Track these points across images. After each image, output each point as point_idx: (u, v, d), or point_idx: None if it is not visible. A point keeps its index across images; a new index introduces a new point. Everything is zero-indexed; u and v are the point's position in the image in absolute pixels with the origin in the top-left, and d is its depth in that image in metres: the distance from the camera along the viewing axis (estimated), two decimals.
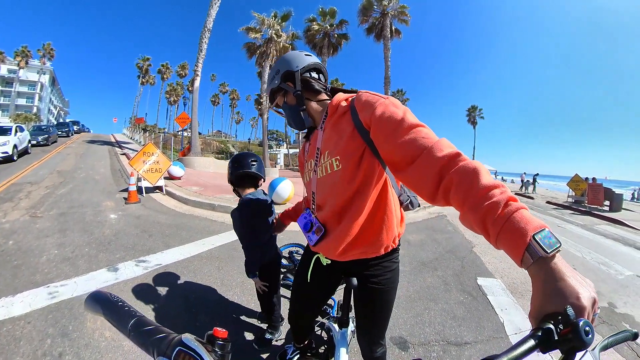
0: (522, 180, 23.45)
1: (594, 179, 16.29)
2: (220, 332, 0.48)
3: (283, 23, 21.11)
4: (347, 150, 1.05)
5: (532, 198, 17.71)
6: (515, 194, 18.79)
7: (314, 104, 1.22)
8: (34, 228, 4.51)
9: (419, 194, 0.83)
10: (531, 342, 0.47)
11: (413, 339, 2.39)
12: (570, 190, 15.60)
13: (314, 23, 23.14)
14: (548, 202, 15.39)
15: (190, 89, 18.46)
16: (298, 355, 1.66)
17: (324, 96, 1.24)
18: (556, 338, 0.47)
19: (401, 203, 1.26)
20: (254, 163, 1.92)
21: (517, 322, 2.75)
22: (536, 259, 0.54)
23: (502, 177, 44.45)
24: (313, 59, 1.22)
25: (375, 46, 23.79)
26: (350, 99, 1.11)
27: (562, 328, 0.47)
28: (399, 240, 1.25)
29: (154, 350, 0.46)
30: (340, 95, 1.14)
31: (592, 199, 13.78)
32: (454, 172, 0.71)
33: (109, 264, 3.39)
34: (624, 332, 0.51)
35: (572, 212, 12.22)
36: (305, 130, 1.33)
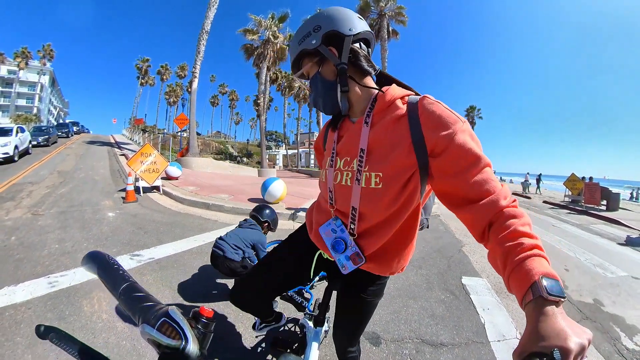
0: (525, 181, 23.43)
1: (590, 178, 16.51)
2: (207, 311, 0.50)
3: (280, 24, 21.33)
4: (396, 168, 0.87)
5: (529, 198, 17.91)
6: (513, 193, 18.96)
7: (357, 88, 0.97)
8: (36, 225, 4.77)
9: (471, 230, 0.81)
10: None
11: (386, 335, 2.39)
12: (567, 189, 15.65)
13: None
14: (545, 202, 15.56)
15: (189, 90, 18.66)
16: (265, 326, 1.69)
17: (371, 82, 1.00)
18: None
19: (420, 227, 1.15)
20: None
21: (498, 323, 2.69)
22: (536, 297, 0.56)
23: (501, 177, 44.66)
24: (367, 26, 0.96)
25: None
26: (407, 99, 0.91)
27: None
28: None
29: (140, 317, 0.48)
30: (395, 90, 0.93)
31: (588, 198, 13.78)
32: (503, 212, 0.74)
33: None
34: None
35: (569, 211, 12.32)
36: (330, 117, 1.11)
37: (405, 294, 3.16)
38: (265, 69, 21.98)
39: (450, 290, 3.33)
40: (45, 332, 0.47)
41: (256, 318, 1.68)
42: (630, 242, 6.69)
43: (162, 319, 0.46)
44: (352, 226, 0.99)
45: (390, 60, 23.41)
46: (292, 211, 6.18)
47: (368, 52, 0.99)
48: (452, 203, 0.84)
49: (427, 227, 1.37)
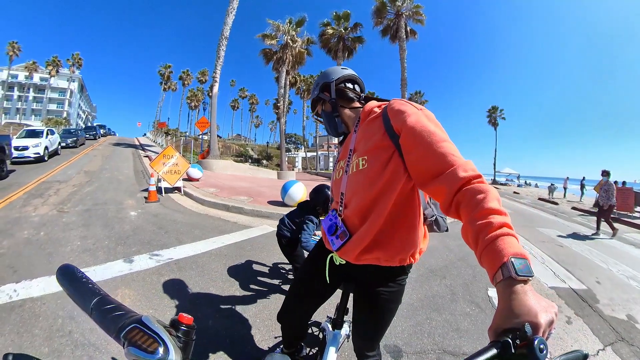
0: (564, 188, 22.26)
1: (623, 182, 15.41)
2: (186, 317, 0.47)
3: (298, 29, 21.43)
4: (375, 150, 1.07)
5: (556, 204, 16.89)
6: (539, 199, 18.17)
7: (347, 111, 1.30)
8: (61, 222, 4.85)
9: (440, 204, 0.87)
10: (492, 352, 0.50)
11: (408, 349, 2.29)
12: (598, 194, 14.66)
13: (329, 27, 23.32)
14: (574, 208, 14.49)
15: (210, 94, 19.03)
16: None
17: (357, 104, 1.31)
18: (513, 351, 0.50)
19: (425, 218, 1.22)
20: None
21: None
22: (506, 277, 0.60)
23: (526, 181, 42.90)
24: (348, 72, 1.34)
25: (391, 48, 23.84)
26: (383, 106, 1.14)
27: (519, 343, 0.51)
28: (418, 257, 1.18)
29: (113, 329, 0.44)
30: (372, 103, 1.20)
31: (621, 204, 12.63)
32: (469, 189, 0.78)
33: (125, 256, 3.62)
34: (574, 352, 0.53)
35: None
36: (341, 138, 1.39)
37: (428, 306, 3.00)
38: (284, 72, 22.11)
39: (475, 303, 3.13)
40: None
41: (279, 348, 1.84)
42: None
43: (132, 325, 0.43)
44: (340, 209, 1.21)
45: (409, 60, 23.11)
46: None
47: (354, 87, 1.33)
48: (419, 181, 0.95)
49: (447, 230, 1.35)
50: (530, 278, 0.60)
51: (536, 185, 39.48)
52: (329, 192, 2.89)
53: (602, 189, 8.11)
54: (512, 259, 0.61)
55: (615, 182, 14.79)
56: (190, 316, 0.47)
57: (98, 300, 0.48)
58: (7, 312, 2.35)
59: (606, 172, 8.17)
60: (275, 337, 2.27)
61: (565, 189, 22.19)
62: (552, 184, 22.03)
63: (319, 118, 1.43)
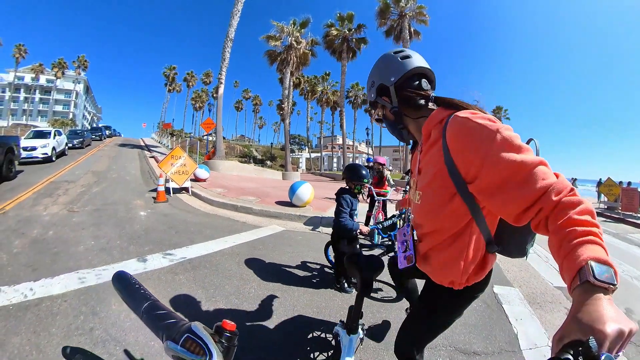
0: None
1: (629, 182, 15.27)
2: (229, 324, 0.49)
3: (302, 30, 21.48)
4: (433, 190, 0.97)
5: None
6: None
7: (415, 122, 1.08)
8: (71, 221, 4.85)
9: (506, 214, 0.79)
10: None
11: None
12: (602, 195, 14.43)
13: (333, 28, 23.39)
14: None
15: (214, 95, 19.12)
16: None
17: (427, 109, 1.06)
18: None
19: (490, 250, 1.06)
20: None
21: (531, 334, 2.57)
22: (583, 281, 0.54)
23: None
24: (413, 62, 1.05)
25: (395, 49, 23.73)
26: (446, 119, 0.92)
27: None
28: (470, 287, 1.08)
29: (163, 335, 0.47)
30: (435, 116, 0.98)
31: (626, 204, 12.49)
32: (560, 204, 0.70)
33: (139, 255, 3.61)
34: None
35: (604, 219, 11.37)
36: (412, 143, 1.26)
37: None
38: (289, 74, 22.15)
39: (482, 299, 3.12)
40: (72, 354, 0.48)
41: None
42: None
43: (185, 335, 0.45)
44: (414, 232, 1.17)
45: None
46: (320, 218, 6.01)
47: (421, 84, 1.05)
48: (510, 219, 0.80)
49: (525, 256, 1.19)
50: (612, 287, 0.53)
51: None
52: (363, 171, 2.97)
53: None
54: (592, 262, 0.55)
55: (621, 183, 14.67)
56: (233, 323, 0.49)
57: (149, 305, 0.52)
58: (23, 312, 2.33)
59: None
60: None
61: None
62: (574, 179, 21.77)
63: (381, 123, 1.22)
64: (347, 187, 2.99)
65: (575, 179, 22.60)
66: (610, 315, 0.49)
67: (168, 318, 0.50)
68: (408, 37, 22.01)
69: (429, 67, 1.07)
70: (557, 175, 0.74)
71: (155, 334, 0.49)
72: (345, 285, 3.05)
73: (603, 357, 0.43)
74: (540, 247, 5.38)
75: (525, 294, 3.40)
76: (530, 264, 4.34)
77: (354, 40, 23.93)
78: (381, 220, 4.88)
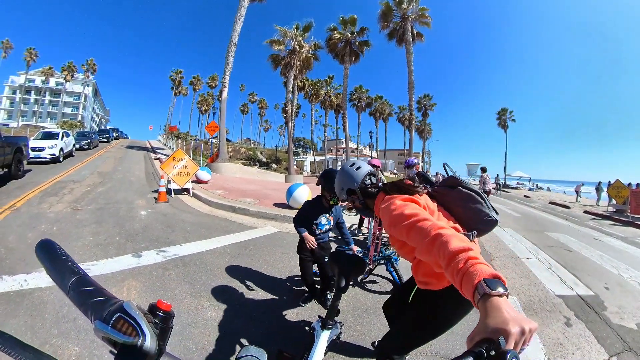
0: (576, 192, 21.98)
1: (637, 184, 15.01)
2: (164, 304, 0.47)
3: (305, 34, 21.55)
4: (394, 239, 1.39)
5: (567, 207, 16.47)
6: (550, 202, 17.83)
7: (371, 204, 1.55)
8: (74, 219, 5.08)
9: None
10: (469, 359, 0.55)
11: None
12: (611, 198, 13.92)
13: (335, 32, 23.47)
14: (586, 212, 13.98)
15: (219, 99, 19.37)
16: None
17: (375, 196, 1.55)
18: None
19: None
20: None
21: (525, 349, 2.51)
22: (482, 295, 0.67)
23: (537, 185, 42.14)
24: (363, 170, 1.59)
25: (398, 51, 23.78)
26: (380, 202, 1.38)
27: (492, 354, 0.54)
28: (430, 285, 1.43)
29: (92, 314, 0.44)
30: (377, 201, 1.45)
31: (635, 207, 11.94)
32: (435, 244, 0.92)
33: (134, 251, 3.80)
34: None
35: (613, 222, 11.04)
36: None
37: None
38: (292, 77, 22.31)
39: (474, 310, 3.06)
40: None
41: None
42: None
43: (116, 315, 0.42)
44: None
45: (416, 63, 23.14)
46: None
47: (371, 180, 1.61)
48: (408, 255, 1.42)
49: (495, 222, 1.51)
50: (506, 294, 0.67)
51: (548, 189, 38.71)
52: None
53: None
54: (484, 279, 0.69)
55: (630, 185, 14.37)
56: (168, 303, 0.47)
57: (77, 279, 0.48)
58: (20, 298, 2.57)
59: (483, 168, 11.01)
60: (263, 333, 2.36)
61: (577, 192, 21.80)
62: (582, 184, 21.70)
63: (351, 210, 1.74)
64: (322, 196, 2.66)
65: (582, 184, 22.44)
66: (512, 317, 0.61)
67: (98, 295, 0.46)
68: (411, 40, 22.06)
69: (372, 168, 1.63)
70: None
71: (83, 312, 0.45)
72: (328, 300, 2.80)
73: (509, 354, 0.52)
74: (544, 254, 5.33)
75: (522, 301, 3.32)
76: (532, 271, 4.30)
77: (356, 43, 23.98)
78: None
